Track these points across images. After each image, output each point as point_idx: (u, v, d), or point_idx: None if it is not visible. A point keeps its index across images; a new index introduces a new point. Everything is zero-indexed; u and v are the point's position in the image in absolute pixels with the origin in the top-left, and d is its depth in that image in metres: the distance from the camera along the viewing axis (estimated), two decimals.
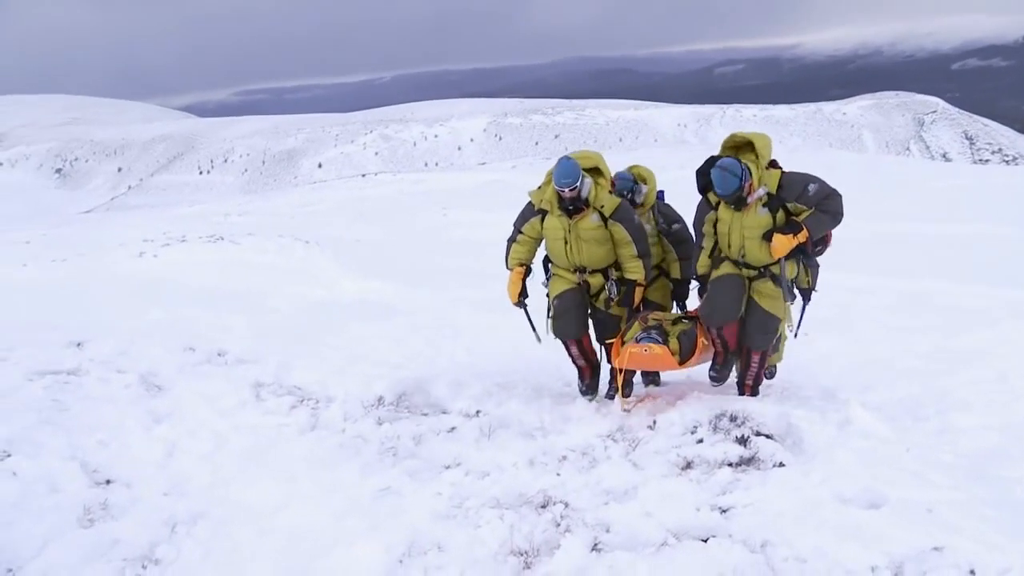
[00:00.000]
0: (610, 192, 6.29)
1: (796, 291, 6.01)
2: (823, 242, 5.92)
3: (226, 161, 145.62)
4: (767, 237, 5.73)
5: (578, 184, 5.92)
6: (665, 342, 5.95)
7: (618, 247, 6.26)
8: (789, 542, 3.79)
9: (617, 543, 4.00)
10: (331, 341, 8.82)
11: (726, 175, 5.60)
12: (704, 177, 5.94)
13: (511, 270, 6.51)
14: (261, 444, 5.41)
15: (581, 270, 6.39)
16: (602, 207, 6.14)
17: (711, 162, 5.82)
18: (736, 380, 6.44)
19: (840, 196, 5.70)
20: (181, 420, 5.68)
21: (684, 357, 5.99)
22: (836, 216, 5.70)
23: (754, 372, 6.28)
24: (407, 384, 6.52)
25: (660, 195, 6.85)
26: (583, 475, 4.81)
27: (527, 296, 6.51)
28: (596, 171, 6.27)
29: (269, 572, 3.98)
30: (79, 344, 7.24)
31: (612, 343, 6.42)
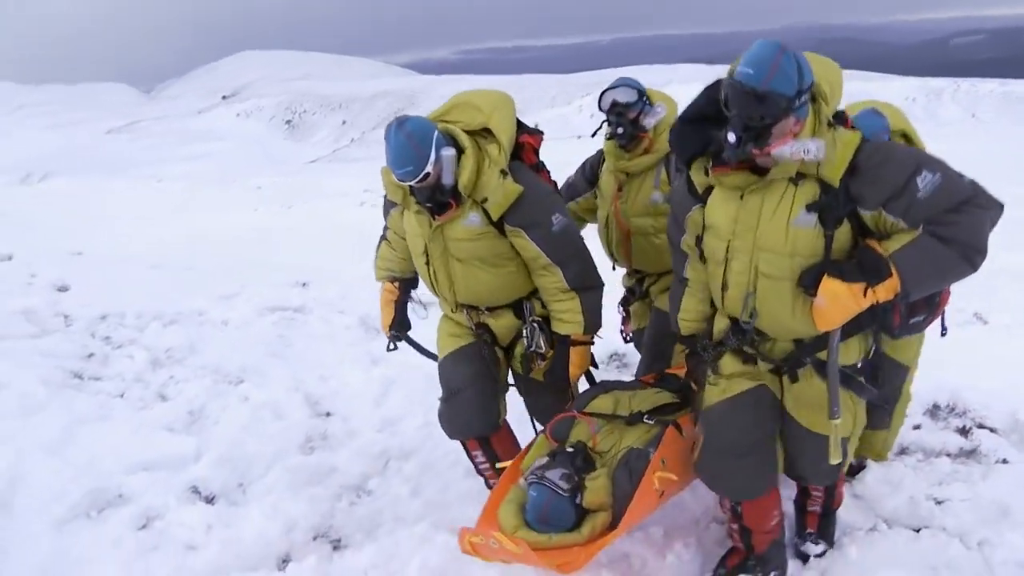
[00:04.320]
0: (503, 173, 3.51)
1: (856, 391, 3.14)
2: (929, 306, 3.13)
3: None
4: (808, 282, 2.86)
5: (428, 169, 3.32)
6: (574, 495, 3.27)
7: (533, 274, 3.71)
8: (1010, 544, 3.57)
9: None
10: None
11: (761, 65, 2.67)
12: (691, 130, 3.03)
13: (381, 283, 4.19)
14: None
15: (470, 308, 3.88)
16: (485, 200, 3.50)
17: (715, 91, 2.92)
18: (795, 503, 3.75)
19: (988, 209, 2.72)
20: (396, 364, 5.98)
21: (616, 518, 3.24)
22: (972, 252, 2.70)
23: (820, 502, 3.65)
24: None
25: None
26: None
27: (408, 328, 4.20)
28: (485, 134, 3.61)
29: (473, 514, 4.16)
30: (304, 284, 7.81)
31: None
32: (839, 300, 2.78)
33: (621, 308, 4.72)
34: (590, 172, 4.53)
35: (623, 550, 3.73)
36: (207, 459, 4.49)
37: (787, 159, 2.76)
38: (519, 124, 3.83)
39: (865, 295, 2.76)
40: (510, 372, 4.05)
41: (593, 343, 3.91)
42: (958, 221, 2.68)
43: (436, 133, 3.38)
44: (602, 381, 4.08)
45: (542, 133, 4.00)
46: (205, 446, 4.66)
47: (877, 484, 4.15)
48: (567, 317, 3.70)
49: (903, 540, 3.72)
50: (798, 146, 2.72)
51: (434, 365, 4.05)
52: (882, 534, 3.78)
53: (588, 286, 3.70)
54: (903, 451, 4.56)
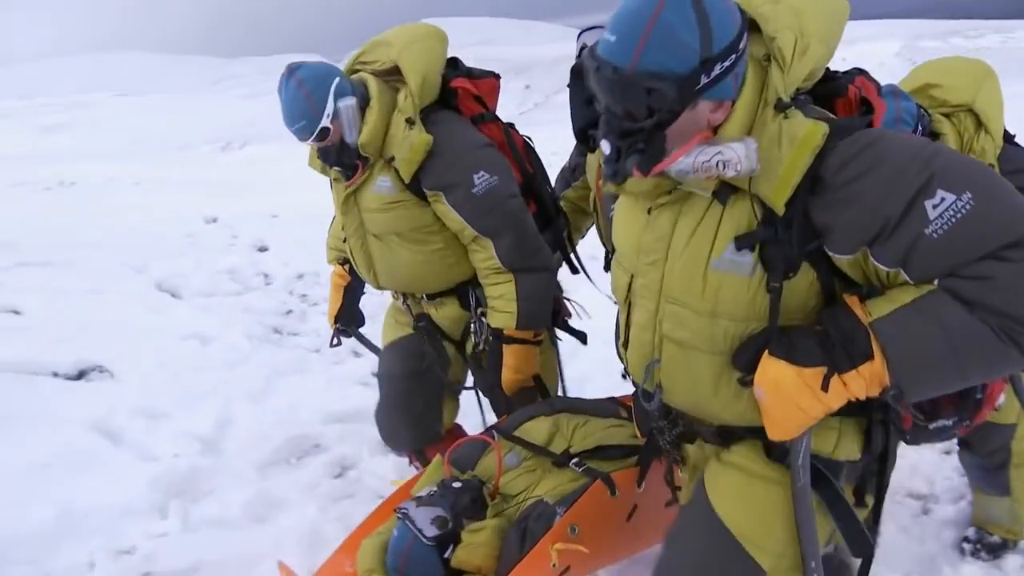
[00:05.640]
0: (409, 122, 2.84)
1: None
2: (961, 403, 1.84)
3: None
4: (743, 362, 1.77)
5: (324, 123, 2.77)
6: (442, 547, 2.47)
7: (468, 252, 3.06)
8: None
9: None
10: None
11: (628, 28, 1.61)
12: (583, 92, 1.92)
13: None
14: None
15: (407, 296, 3.33)
16: (392, 159, 2.89)
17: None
18: None
19: None
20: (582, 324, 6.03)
21: None
22: (1015, 326, 1.50)
23: None
24: None
25: None
26: None
27: (358, 323, 3.84)
28: (394, 74, 2.96)
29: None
30: None
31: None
32: (782, 394, 1.67)
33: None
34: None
35: None
36: None
37: (694, 177, 1.70)
38: (456, 65, 3.12)
39: (826, 388, 1.63)
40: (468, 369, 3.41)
41: (539, 342, 3.12)
42: (995, 274, 1.51)
43: (337, 80, 2.80)
44: (553, 397, 3.28)
45: (495, 76, 3.19)
46: None
47: None
48: (498, 305, 3.00)
49: None
50: (708, 154, 1.64)
51: None
52: None
53: (528, 266, 2.96)
54: None
